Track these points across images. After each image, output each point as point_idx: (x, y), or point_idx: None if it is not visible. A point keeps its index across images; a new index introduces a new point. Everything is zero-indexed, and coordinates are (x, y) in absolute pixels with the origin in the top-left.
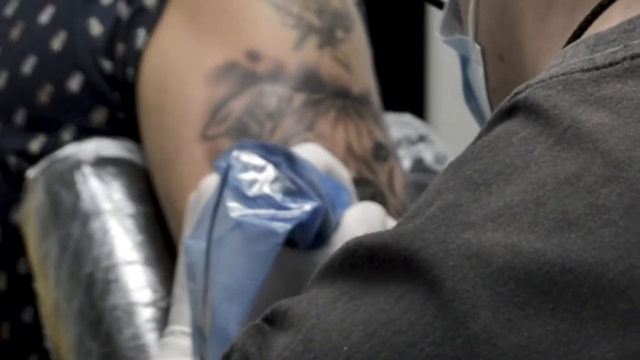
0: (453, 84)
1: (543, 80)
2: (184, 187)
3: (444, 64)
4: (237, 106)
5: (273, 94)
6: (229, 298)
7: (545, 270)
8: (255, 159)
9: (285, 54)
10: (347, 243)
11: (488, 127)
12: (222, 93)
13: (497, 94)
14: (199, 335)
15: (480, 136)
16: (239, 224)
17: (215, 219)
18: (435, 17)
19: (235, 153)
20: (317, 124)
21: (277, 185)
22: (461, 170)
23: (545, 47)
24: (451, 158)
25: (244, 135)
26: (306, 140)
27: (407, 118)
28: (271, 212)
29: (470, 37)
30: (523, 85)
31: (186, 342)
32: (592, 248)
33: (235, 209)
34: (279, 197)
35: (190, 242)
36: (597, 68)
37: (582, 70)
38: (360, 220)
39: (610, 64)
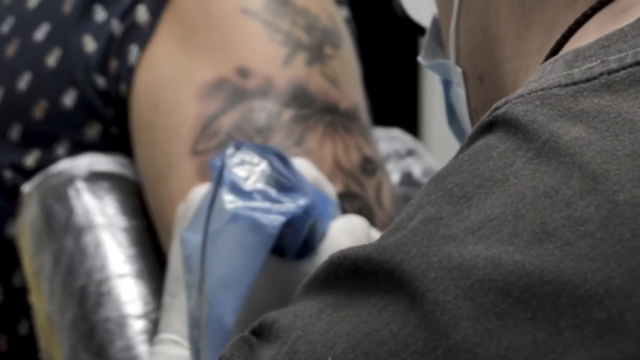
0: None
1: (522, 96)
2: (174, 201)
3: (437, 79)
4: (227, 122)
5: (262, 110)
6: (225, 288)
7: (524, 281)
8: (250, 155)
9: (274, 70)
10: (332, 256)
11: (469, 142)
12: (213, 109)
13: (479, 115)
14: (195, 326)
15: (461, 151)
16: (235, 217)
17: (212, 213)
18: None
19: (230, 150)
20: (305, 139)
21: (272, 181)
22: (442, 184)
23: (524, 65)
24: None
25: None
26: (294, 155)
27: (396, 132)
28: (266, 205)
29: (451, 60)
30: (502, 101)
31: (175, 351)
32: (570, 259)
33: (231, 201)
34: (273, 191)
35: (187, 235)
36: (574, 83)
37: (560, 86)
38: (346, 231)
39: (588, 79)
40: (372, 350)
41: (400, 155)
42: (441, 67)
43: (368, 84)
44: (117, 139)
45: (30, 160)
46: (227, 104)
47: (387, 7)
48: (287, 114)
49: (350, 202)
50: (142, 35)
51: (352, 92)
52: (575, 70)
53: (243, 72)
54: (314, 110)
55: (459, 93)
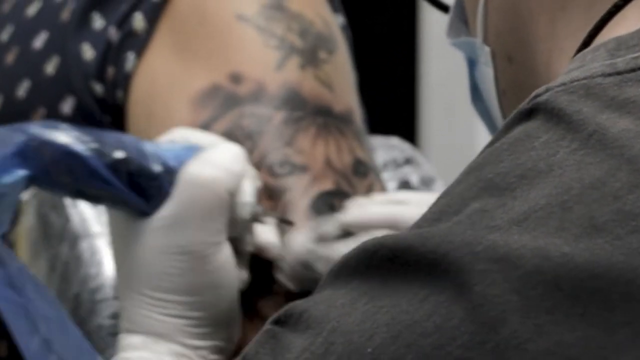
0: (443, 107)
1: (564, 84)
2: None
3: (435, 87)
4: (219, 128)
5: (253, 115)
6: None
7: (573, 275)
8: None
9: (267, 74)
10: (365, 244)
11: (506, 129)
12: (205, 116)
13: (507, 96)
14: None
15: (497, 138)
16: None
17: None
18: (426, 40)
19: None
20: (297, 139)
21: None
22: (481, 174)
23: (557, 48)
24: (440, 180)
25: None
26: (285, 155)
27: (395, 141)
28: None
29: (478, 39)
30: (543, 88)
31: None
32: (621, 254)
33: None
34: None
35: None
36: (618, 73)
37: (604, 75)
38: (205, 164)
39: (632, 70)
40: (414, 342)
41: (398, 164)
42: (467, 45)
43: (365, 91)
44: None
45: None
46: (219, 111)
47: (383, 13)
48: (279, 117)
49: (340, 199)
50: (138, 43)
51: (346, 97)
52: (619, 60)
53: (236, 78)
54: (306, 112)
55: (486, 72)
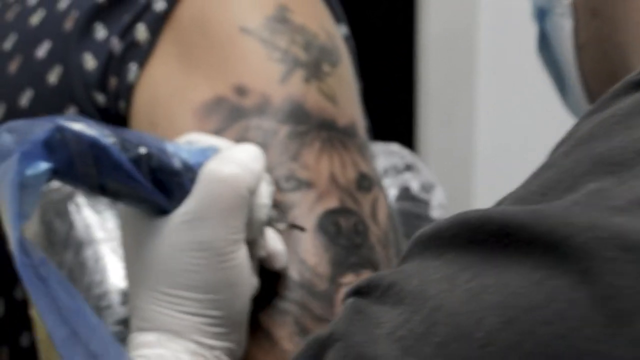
0: (442, 113)
1: None
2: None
3: (433, 93)
4: None
5: (259, 128)
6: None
7: None
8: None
9: (271, 87)
10: (466, 214)
11: (611, 99)
12: (211, 127)
13: (587, 50)
14: None
15: (600, 108)
16: None
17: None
18: (425, 45)
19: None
20: (302, 154)
21: None
22: (592, 149)
23: None
24: (439, 186)
25: None
26: (291, 170)
27: (395, 147)
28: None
29: None
30: None
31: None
32: None
33: None
34: None
35: None
36: None
37: None
38: (226, 158)
39: None
40: (532, 329)
41: (398, 170)
42: None
43: (363, 97)
44: None
45: None
46: (224, 122)
47: (381, 18)
48: (284, 131)
49: (345, 217)
50: (141, 53)
51: (350, 109)
52: None
53: (240, 91)
54: (310, 126)
55: (561, 24)
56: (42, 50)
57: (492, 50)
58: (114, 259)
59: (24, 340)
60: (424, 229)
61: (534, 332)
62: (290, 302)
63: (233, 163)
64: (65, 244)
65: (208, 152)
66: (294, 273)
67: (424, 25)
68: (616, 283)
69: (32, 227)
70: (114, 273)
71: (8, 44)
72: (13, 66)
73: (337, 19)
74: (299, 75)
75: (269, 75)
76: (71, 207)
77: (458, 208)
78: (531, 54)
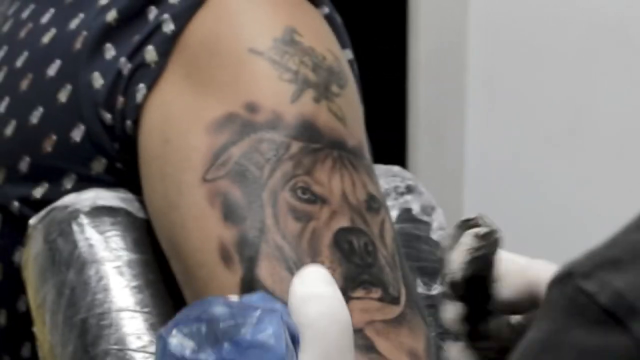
0: (432, 134)
1: None
2: (187, 227)
3: (424, 112)
4: (237, 152)
5: (271, 141)
6: None
7: None
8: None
9: (282, 106)
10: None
11: None
12: (223, 140)
13: None
14: None
15: None
16: None
17: None
18: (416, 66)
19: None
20: (315, 170)
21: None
22: None
23: None
24: (439, 208)
25: (243, 177)
26: (306, 183)
27: (396, 169)
28: None
29: None
30: None
31: None
32: None
33: None
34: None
35: None
36: None
37: None
38: (305, 299)
39: None
40: None
41: (399, 192)
42: None
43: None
44: (122, 173)
45: (38, 192)
46: (236, 136)
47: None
48: (296, 146)
49: (357, 236)
50: (150, 75)
51: (357, 131)
52: None
53: (252, 108)
54: (322, 144)
55: None
56: (53, 69)
57: (481, 68)
58: (117, 279)
59: (25, 352)
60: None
61: None
62: None
63: (315, 299)
64: (68, 263)
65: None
66: None
67: (415, 44)
68: None
69: (36, 247)
70: (116, 292)
71: (20, 62)
72: (24, 84)
73: (343, 45)
74: (309, 95)
75: (280, 94)
76: (75, 227)
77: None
78: (520, 71)
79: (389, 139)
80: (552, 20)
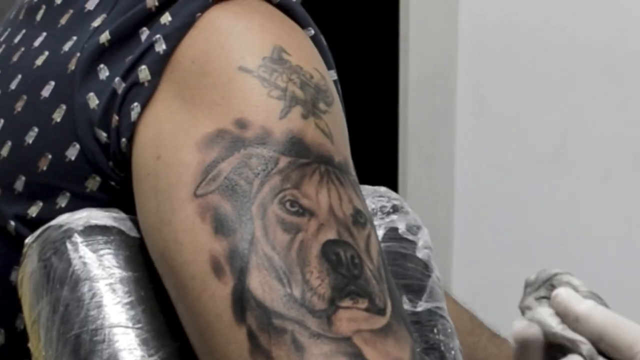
0: (424, 155)
1: None
2: (179, 241)
3: (415, 136)
4: (227, 167)
5: (261, 156)
6: None
7: None
8: None
9: (271, 122)
10: None
11: None
12: (213, 156)
13: None
14: None
15: None
16: None
17: None
18: (407, 91)
19: None
20: (303, 184)
21: None
22: None
23: None
24: (424, 227)
25: (233, 191)
26: (294, 196)
27: (382, 190)
28: None
29: None
30: None
31: None
32: None
33: None
34: None
35: None
36: None
37: None
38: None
39: None
40: None
41: (385, 212)
42: None
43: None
44: (115, 191)
45: (33, 211)
46: (226, 151)
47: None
48: (285, 161)
49: (344, 249)
50: (143, 93)
51: (343, 147)
52: None
53: (242, 124)
54: (310, 160)
55: None
56: (47, 90)
57: (470, 92)
58: (110, 296)
59: None
60: None
61: None
62: (289, 321)
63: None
64: (62, 281)
65: None
66: (296, 291)
67: (405, 68)
68: None
69: (31, 265)
70: (109, 309)
71: (14, 85)
72: (19, 105)
73: (328, 66)
74: (297, 112)
75: (269, 110)
76: (69, 245)
77: (438, 246)
78: (508, 95)
79: (381, 159)
80: (539, 45)
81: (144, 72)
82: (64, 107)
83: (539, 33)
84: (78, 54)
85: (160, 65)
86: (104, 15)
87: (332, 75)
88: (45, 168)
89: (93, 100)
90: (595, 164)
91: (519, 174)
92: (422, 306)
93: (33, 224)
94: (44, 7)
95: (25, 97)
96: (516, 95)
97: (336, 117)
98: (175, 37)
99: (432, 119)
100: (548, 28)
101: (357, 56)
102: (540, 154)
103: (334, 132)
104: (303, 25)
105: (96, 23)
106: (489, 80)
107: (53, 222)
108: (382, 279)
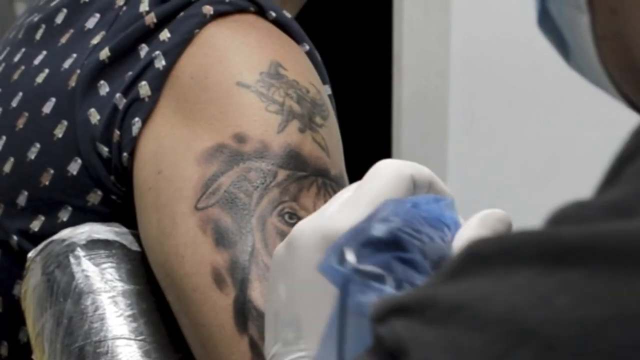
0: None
1: None
2: (181, 254)
3: (408, 152)
4: (227, 180)
5: (259, 170)
6: None
7: None
8: (373, 270)
9: (269, 135)
10: (539, 233)
11: None
12: (213, 170)
13: (608, 43)
14: None
15: None
16: None
17: (344, 342)
18: (400, 108)
19: (351, 262)
20: (301, 197)
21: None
22: None
23: None
24: None
25: (233, 204)
26: (293, 209)
27: None
28: None
29: None
30: None
31: None
32: None
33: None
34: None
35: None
36: None
37: None
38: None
39: None
40: None
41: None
42: None
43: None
44: (117, 205)
45: (35, 225)
46: (226, 165)
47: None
48: (283, 174)
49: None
50: (144, 108)
51: (338, 160)
52: None
53: (240, 138)
54: (308, 172)
55: (574, 16)
56: (48, 107)
57: (462, 109)
58: (112, 308)
59: None
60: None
61: None
62: None
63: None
64: (66, 294)
65: (447, 212)
66: None
67: (398, 86)
68: None
69: (34, 278)
70: (112, 321)
71: (15, 102)
72: (20, 122)
73: (323, 81)
74: (294, 126)
75: (267, 125)
76: (72, 259)
77: None
78: (500, 113)
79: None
80: (529, 63)
81: (144, 88)
82: (65, 122)
83: (530, 52)
84: (78, 71)
85: (160, 81)
86: (102, 33)
87: (327, 90)
88: (47, 183)
89: (94, 116)
90: (587, 180)
91: (511, 190)
92: None
93: (35, 239)
94: (43, 26)
95: (26, 114)
96: (507, 113)
97: (332, 131)
98: (174, 53)
99: (424, 135)
100: (538, 46)
101: (350, 73)
102: (531, 170)
103: (330, 145)
104: (298, 41)
105: (95, 40)
106: (480, 97)
107: (56, 237)
108: None
